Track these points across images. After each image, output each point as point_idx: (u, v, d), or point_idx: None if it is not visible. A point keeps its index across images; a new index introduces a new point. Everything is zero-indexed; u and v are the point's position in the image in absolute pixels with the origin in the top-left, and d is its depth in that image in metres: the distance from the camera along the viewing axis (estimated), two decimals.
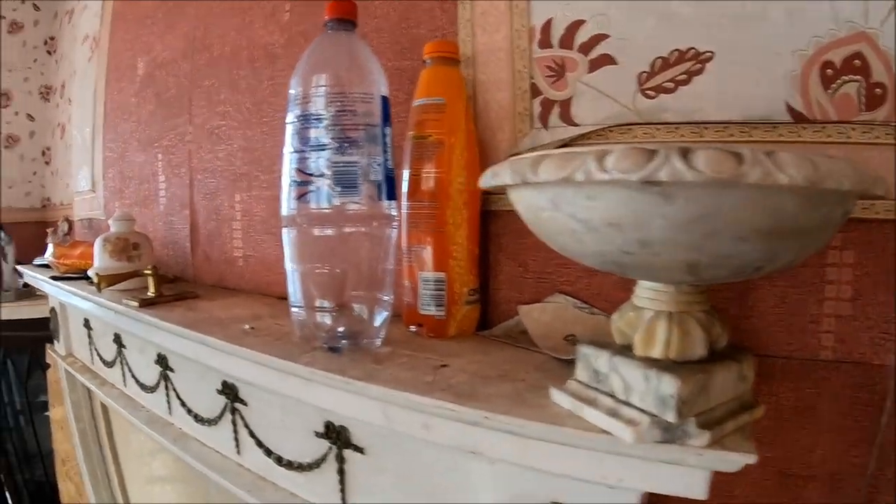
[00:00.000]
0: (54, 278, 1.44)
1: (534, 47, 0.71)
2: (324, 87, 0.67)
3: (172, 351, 0.96)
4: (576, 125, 0.69)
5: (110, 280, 1.03)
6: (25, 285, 2.11)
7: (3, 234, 2.08)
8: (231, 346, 0.72)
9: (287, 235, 0.71)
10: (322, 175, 0.67)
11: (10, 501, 2.45)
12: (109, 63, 1.73)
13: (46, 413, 2.24)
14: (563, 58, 0.69)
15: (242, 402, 0.85)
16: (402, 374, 0.56)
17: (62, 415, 2.03)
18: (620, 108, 0.66)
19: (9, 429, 2.35)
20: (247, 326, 0.82)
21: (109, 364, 1.39)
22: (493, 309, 0.78)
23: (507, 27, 0.73)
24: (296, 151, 0.68)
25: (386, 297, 0.71)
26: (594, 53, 0.67)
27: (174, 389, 1.09)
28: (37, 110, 2.96)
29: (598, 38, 0.66)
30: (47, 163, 2.95)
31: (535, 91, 0.72)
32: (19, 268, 1.90)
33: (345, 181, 0.67)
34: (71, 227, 1.77)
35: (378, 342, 0.70)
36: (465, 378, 0.54)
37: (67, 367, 1.67)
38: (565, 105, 0.69)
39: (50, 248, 1.55)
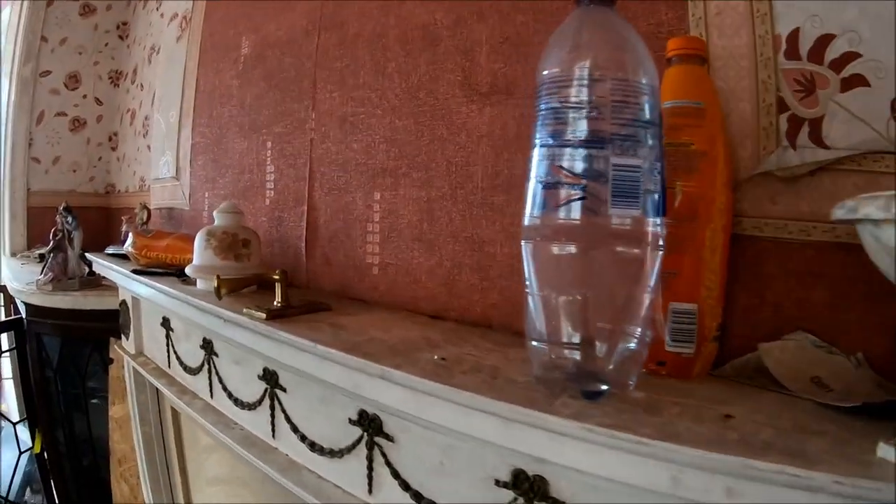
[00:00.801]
0: (137, 272, 1.26)
1: (780, 58, 0.64)
2: (600, 72, 0.50)
3: (304, 372, 0.77)
4: (827, 147, 0.61)
5: (232, 285, 0.85)
6: (91, 273, 1.95)
7: (70, 219, 1.93)
8: (440, 388, 0.53)
9: (532, 250, 0.52)
10: (597, 178, 0.47)
11: (55, 492, 2.29)
12: (204, 43, 1.57)
13: (94, 401, 2.08)
14: (813, 72, 0.61)
15: (388, 437, 0.68)
16: (692, 427, 0.46)
17: (123, 413, 1.86)
18: (873, 134, 0.58)
19: (60, 418, 2.18)
20: (436, 357, 0.63)
21: (193, 371, 1.21)
22: (723, 344, 0.66)
23: (749, 32, 0.66)
24: (555, 146, 0.49)
25: (645, 332, 0.52)
26: (846, 72, 0.59)
27: (283, 411, 0.91)
28: (105, 95, 2.84)
29: (850, 57, 0.59)
30: (113, 148, 2.82)
31: (781, 106, 0.64)
32: (88, 255, 1.74)
33: (624, 188, 0.49)
34: (149, 216, 1.60)
35: (632, 385, 0.54)
36: (770, 432, 0.45)
37: (137, 366, 1.50)
38: (815, 124, 0.61)
39: (130, 238, 1.38)
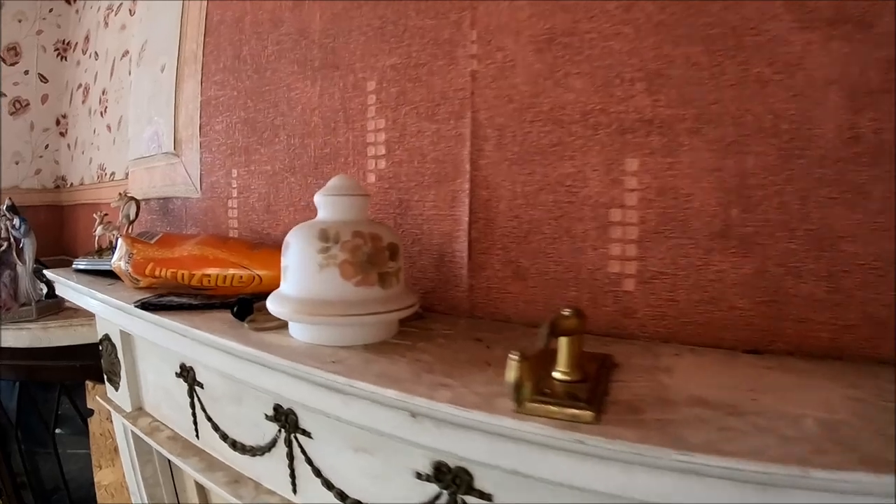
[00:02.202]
0: (151, 307, 0.74)
1: None
2: None
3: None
4: None
5: (535, 371, 0.35)
6: (50, 294, 1.38)
7: (18, 223, 1.34)
8: None
9: None
10: None
11: None
12: None
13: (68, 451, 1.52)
14: None
15: None
16: None
17: (114, 480, 1.32)
18: None
19: (28, 484, 1.61)
20: None
21: (254, 451, 0.72)
22: None
23: None
24: None
25: None
26: None
27: None
28: (51, 70, 2.24)
29: None
30: (62, 133, 2.22)
31: None
32: (48, 273, 1.17)
33: None
34: (138, 211, 1.05)
35: None
36: None
37: (139, 432, 0.97)
38: None
39: (121, 248, 0.84)
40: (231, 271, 0.78)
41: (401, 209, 0.74)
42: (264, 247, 0.81)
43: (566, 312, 0.39)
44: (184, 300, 0.75)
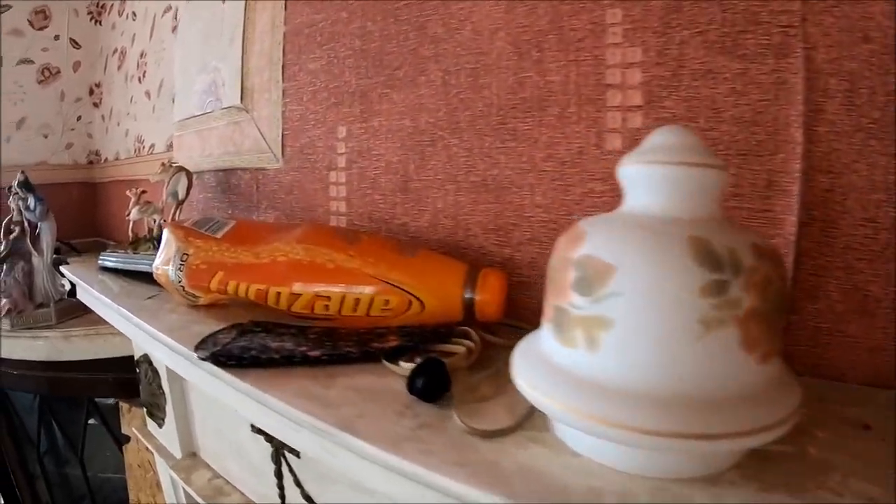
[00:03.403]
0: (227, 362, 0.38)
1: None
2: None
3: None
4: None
5: None
6: (73, 292, 1.04)
7: (33, 202, 1.01)
8: None
9: None
10: None
11: None
12: None
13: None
14: None
15: None
16: None
17: None
18: None
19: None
20: None
21: None
22: None
23: None
24: None
25: None
26: None
27: None
28: (84, 34, 1.92)
29: None
30: (96, 104, 1.90)
31: None
32: (65, 270, 0.83)
33: None
34: (189, 187, 0.70)
35: None
36: None
37: (193, 492, 0.64)
38: None
39: (169, 243, 0.49)
40: (367, 290, 0.42)
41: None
42: (423, 250, 0.46)
43: None
44: (285, 343, 0.39)
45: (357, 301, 0.43)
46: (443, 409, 0.32)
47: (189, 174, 0.71)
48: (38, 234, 1.04)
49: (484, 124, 0.52)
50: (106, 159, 1.80)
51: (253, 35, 0.72)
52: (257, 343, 0.40)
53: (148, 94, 1.48)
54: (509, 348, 0.30)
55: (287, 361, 0.38)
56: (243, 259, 0.46)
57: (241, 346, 0.39)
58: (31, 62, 1.84)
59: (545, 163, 0.48)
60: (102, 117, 1.84)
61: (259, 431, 0.50)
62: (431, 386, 0.32)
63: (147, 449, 1.00)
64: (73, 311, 1.04)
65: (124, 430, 1.05)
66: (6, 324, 1.00)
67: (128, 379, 0.92)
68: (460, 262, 0.47)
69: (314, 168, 0.64)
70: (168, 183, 0.69)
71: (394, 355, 0.39)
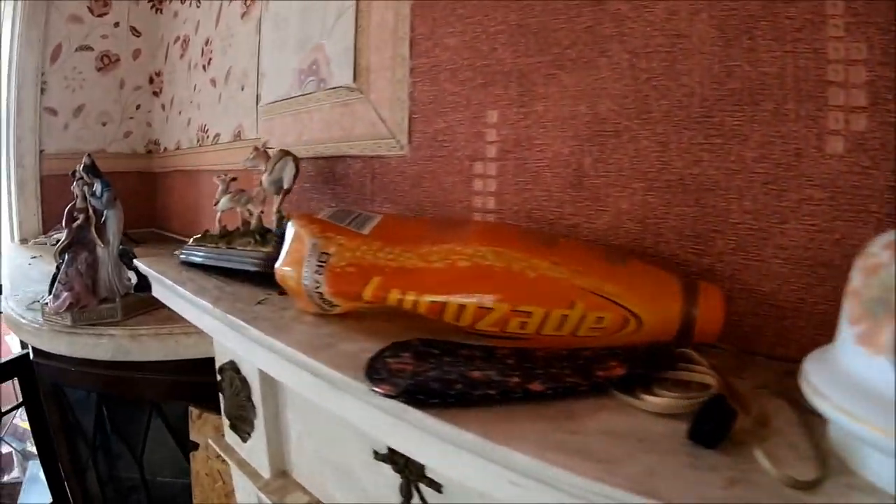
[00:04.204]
0: (428, 400, 0.27)
1: None
2: None
3: None
4: None
5: None
6: (140, 285, 0.95)
7: (99, 188, 0.92)
8: None
9: None
10: None
11: None
12: None
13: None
14: None
15: None
16: None
17: None
18: None
19: None
20: None
21: None
22: None
23: None
24: None
25: None
26: None
27: None
28: (145, 22, 1.85)
29: None
30: (156, 93, 1.83)
31: None
32: (140, 264, 0.74)
33: None
34: (296, 174, 0.59)
35: None
36: None
37: None
38: None
39: (300, 238, 0.38)
40: (578, 305, 0.31)
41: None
42: (632, 257, 0.35)
43: None
44: (488, 373, 0.28)
45: (564, 318, 0.32)
46: (730, 454, 0.23)
47: (297, 160, 0.59)
48: (104, 222, 0.95)
49: (684, 116, 0.41)
50: (165, 149, 1.73)
51: (368, 8, 0.61)
52: (455, 372, 0.29)
53: (213, 81, 1.40)
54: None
55: (504, 397, 0.26)
56: (406, 262, 0.35)
57: (437, 378, 0.28)
58: (91, 49, 1.78)
59: (757, 164, 0.38)
60: (163, 106, 1.77)
61: (386, 459, 0.39)
62: (720, 431, 0.23)
63: (218, 457, 0.91)
64: (139, 306, 0.95)
65: (193, 437, 0.95)
66: (67, 319, 0.91)
67: (201, 383, 0.83)
68: (669, 273, 0.35)
69: (452, 157, 0.53)
70: (272, 170, 0.58)
71: (622, 385, 0.28)
